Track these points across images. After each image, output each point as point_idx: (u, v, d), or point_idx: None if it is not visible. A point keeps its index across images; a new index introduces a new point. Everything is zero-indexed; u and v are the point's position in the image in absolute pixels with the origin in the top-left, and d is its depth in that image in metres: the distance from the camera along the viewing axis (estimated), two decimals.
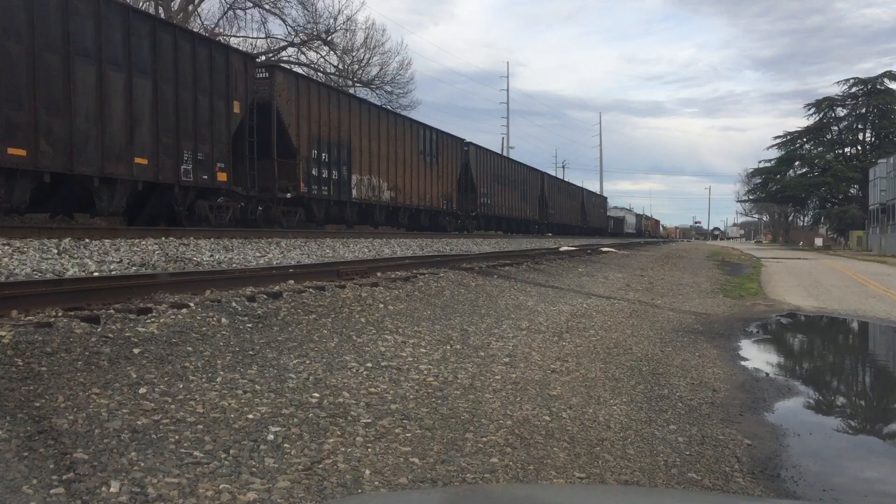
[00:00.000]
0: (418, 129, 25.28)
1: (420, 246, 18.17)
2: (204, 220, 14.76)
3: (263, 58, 28.69)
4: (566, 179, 54.65)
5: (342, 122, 19.75)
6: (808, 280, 19.13)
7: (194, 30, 19.67)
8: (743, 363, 7.63)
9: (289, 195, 17.50)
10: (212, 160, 14.61)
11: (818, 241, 59.63)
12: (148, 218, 13.99)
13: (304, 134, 17.92)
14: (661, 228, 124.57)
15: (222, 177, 14.98)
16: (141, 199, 13.46)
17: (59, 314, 5.13)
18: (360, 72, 34.69)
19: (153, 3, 29.02)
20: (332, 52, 33.53)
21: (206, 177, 14.47)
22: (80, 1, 11.43)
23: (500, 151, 43.80)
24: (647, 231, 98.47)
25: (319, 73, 32.90)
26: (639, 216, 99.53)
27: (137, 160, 12.72)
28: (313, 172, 18.34)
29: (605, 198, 72.24)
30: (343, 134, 19.81)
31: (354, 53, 34.22)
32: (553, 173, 54.02)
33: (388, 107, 28.77)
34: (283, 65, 18.71)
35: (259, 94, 16.45)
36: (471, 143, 30.25)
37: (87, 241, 9.78)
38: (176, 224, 13.83)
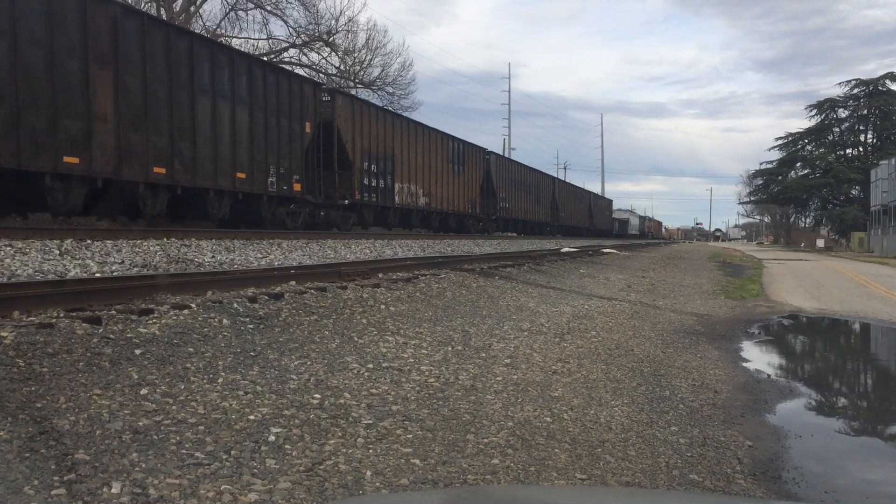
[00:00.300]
0: (447, 141, 27.88)
1: (422, 247, 18.18)
2: (282, 224, 17.50)
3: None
4: (571, 182, 55.90)
5: (387, 137, 22.47)
6: (809, 281, 19.11)
7: (267, 60, 22.42)
8: (744, 364, 7.62)
9: (346, 202, 20.22)
10: (290, 173, 17.48)
11: (820, 243, 59.57)
12: (242, 223, 16.53)
13: (359, 148, 20.65)
14: (663, 230, 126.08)
15: (297, 187, 17.81)
16: (238, 206, 16.12)
17: (61, 315, 5.13)
18: (362, 73, 34.73)
19: (155, 3, 29.07)
20: (333, 54, 33.58)
21: (285, 187, 17.33)
22: (201, 48, 14.67)
23: (501, 153, 45.10)
24: (649, 232, 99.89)
25: (321, 75, 32.93)
26: (642, 218, 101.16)
27: (238, 175, 15.56)
28: (365, 181, 21.04)
29: (611, 200, 74.01)
30: (388, 147, 22.48)
31: (356, 54, 34.26)
32: (555, 174, 55.65)
33: (390, 108, 29.24)
34: (342, 90, 21.67)
35: (323, 115, 19.05)
36: (492, 152, 33.07)
37: (89, 242, 9.78)
38: (261, 227, 16.47)
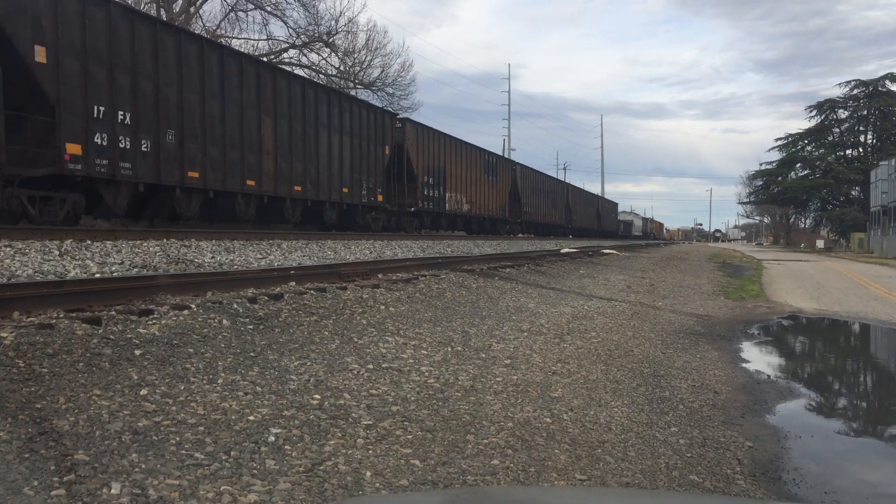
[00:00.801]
0: (483, 154, 32.47)
1: (422, 248, 18.20)
2: (367, 227, 21.87)
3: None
4: (578, 186, 58.50)
5: (440, 154, 26.93)
6: (809, 282, 19.11)
7: (347, 93, 26.39)
8: (744, 365, 7.62)
9: (412, 209, 25.04)
10: (375, 187, 22.31)
11: (819, 243, 59.59)
12: (343, 227, 20.68)
13: (421, 165, 25.13)
14: (664, 231, 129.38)
15: (380, 198, 22.74)
16: (342, 214, 20.86)
17: (61, 315, 5.13)
18: (362, 74, 34.74)
19: (155, 4, 29.06)
20: (333, 54, 33.58)
21: (372, 198, 22.19)
22: (321, 93, 19.78)
23: (501, 153, 46.40)
24: (651, 233, 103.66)
25: (321, 75, 32.94)
26: (644, 220, 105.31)
27: (343, 190, 20.45)
28: (425, 192, 25.58)
29: (616, 204, 79.16)
30: (441, 163, 26.93)
31: (356, 55, 34.27)
32: (555, 175, 58.90)
33: (390, 108, 29.44)
34: (410, 119, 25.55)
35: (396, 139, 23.79)
36: (518, 163, 37.75)
37: (89, 242, 9.78)
38: (356, 230, 20.87)
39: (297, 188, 18.08)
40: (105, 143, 12.30)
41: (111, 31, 12.46)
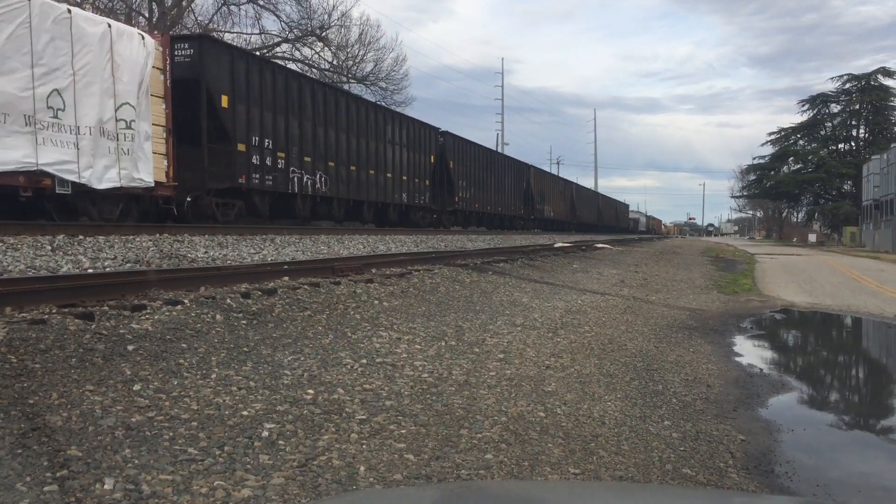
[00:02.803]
0: (503, 159, 37.14)
1: (415, 242, 18.18)
2: (417, 224, 25.88)
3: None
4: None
5: (473, 161, 31.38)
6: (801, 276, 19.19)
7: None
8: (737, 359, 7.65)
9: (450, 209, 29.26)
10: (424, 190, 26.53)
11: (812, 238, 59.85)
12: (401, 224, 24.50)
13: (458, 172, 29.56)
14: (663, 227, 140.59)
15: (428, 201, 26.96)
16: (401, 213, 25.18)
17: (53, 311, 5.11)
18: (355, 68, 34.65)
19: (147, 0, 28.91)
20: (326, 48, 33.49)
21: (422, 200, 26.45)
22: (389, 115, 24.13)
23: (494, 148, 47.13)
24: (653, 229, 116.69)
25: (314, 69, 32.82)
26: (647, 217, 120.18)
27: (403, 194, 24.67)
28: (461, 194, 30.03)
29: (628, 205, 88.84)
30: (472, 168, 31.17)
31: (349, 49, 34.20)
32: (549, 169, 63.00)
33: (383, 103, 29.69)
34: (450, 132, 29.36)
35: (438, 149, 27.93)
36: (531, 165, 40.69)
37: (81, 237, 9.74)
38: (409, 226, 24.79)
39: (373, 193, 22.28)
40: (258, 164, 16.48)
41: (262, 82, 16.71)
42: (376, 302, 7.54)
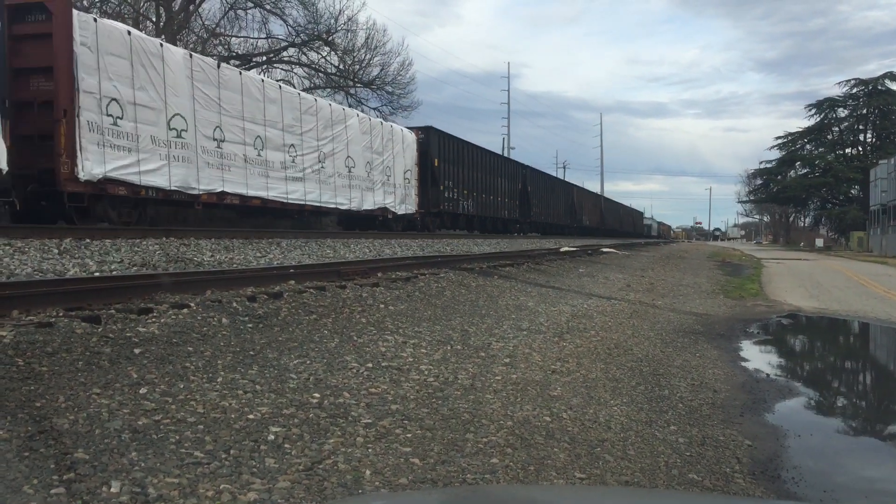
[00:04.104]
0: (504, 161, 39.01)
1: (420, 246, 18.19)
2: (512, 232, 34.23)
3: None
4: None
5: (536, 184, 39.87)
6: (808, 281, 19.12)
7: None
8: (743, 364, 7.63)
9: (529, 220, 37.87)
10: (515, 208, 35.66)
11: (819, 242, 59.60)
12: (496, 232, 32.33)
13: (534, 193, 38.84)
14: (672, 232, 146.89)
15: (516, 215, 35.87)
16: (497, 223, 33.65)
17: (60, 314, 5.13)
18: (361, 72, 34.70)
19: (154, 3, 29.03)
20: (332, 53, 33.54)
21: (514, 214, 35.64)
22: (496, 156, 35.21)
23: (500, 152, 47.19)
24: (663, 234, 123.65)
25: (320, 74, 32.90)
26: (658, 223, 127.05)
27: (506, 212, 34.22)
28: (533, 209, 38.60)
29: (642, 212, 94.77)
30: (536, 188, 39.64)
31: (355, 54, 34.23)
32: (554, 174, 61.57)
33: (389, 107, 30.62)
34: (531, 166, 38.32)
35: (522, 176, 37.13)
36: (528, 166, 41.69)
37: (88, 241, 9.78)
38: (507, 234, 33.32)
39: (486, 210, 31.58)
40: (448, 196, 27.11)
41: (448, 149, 27.38)
42: (382, 306, 7.54)
